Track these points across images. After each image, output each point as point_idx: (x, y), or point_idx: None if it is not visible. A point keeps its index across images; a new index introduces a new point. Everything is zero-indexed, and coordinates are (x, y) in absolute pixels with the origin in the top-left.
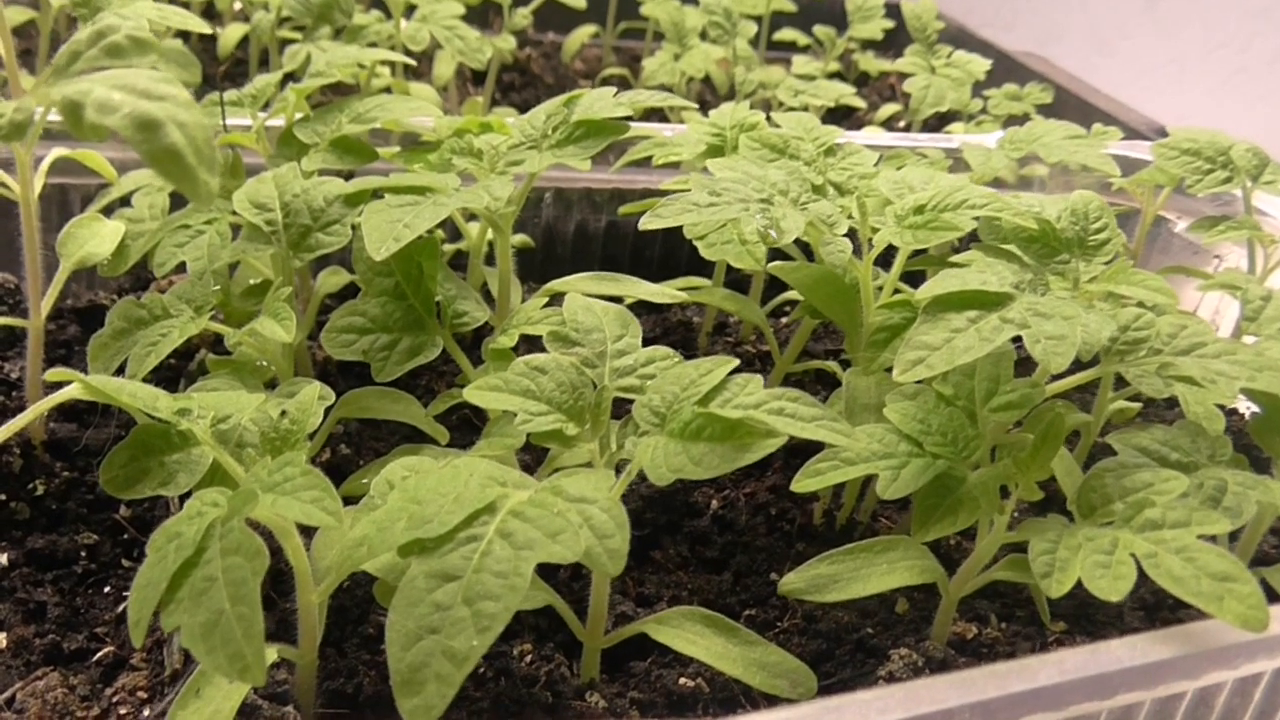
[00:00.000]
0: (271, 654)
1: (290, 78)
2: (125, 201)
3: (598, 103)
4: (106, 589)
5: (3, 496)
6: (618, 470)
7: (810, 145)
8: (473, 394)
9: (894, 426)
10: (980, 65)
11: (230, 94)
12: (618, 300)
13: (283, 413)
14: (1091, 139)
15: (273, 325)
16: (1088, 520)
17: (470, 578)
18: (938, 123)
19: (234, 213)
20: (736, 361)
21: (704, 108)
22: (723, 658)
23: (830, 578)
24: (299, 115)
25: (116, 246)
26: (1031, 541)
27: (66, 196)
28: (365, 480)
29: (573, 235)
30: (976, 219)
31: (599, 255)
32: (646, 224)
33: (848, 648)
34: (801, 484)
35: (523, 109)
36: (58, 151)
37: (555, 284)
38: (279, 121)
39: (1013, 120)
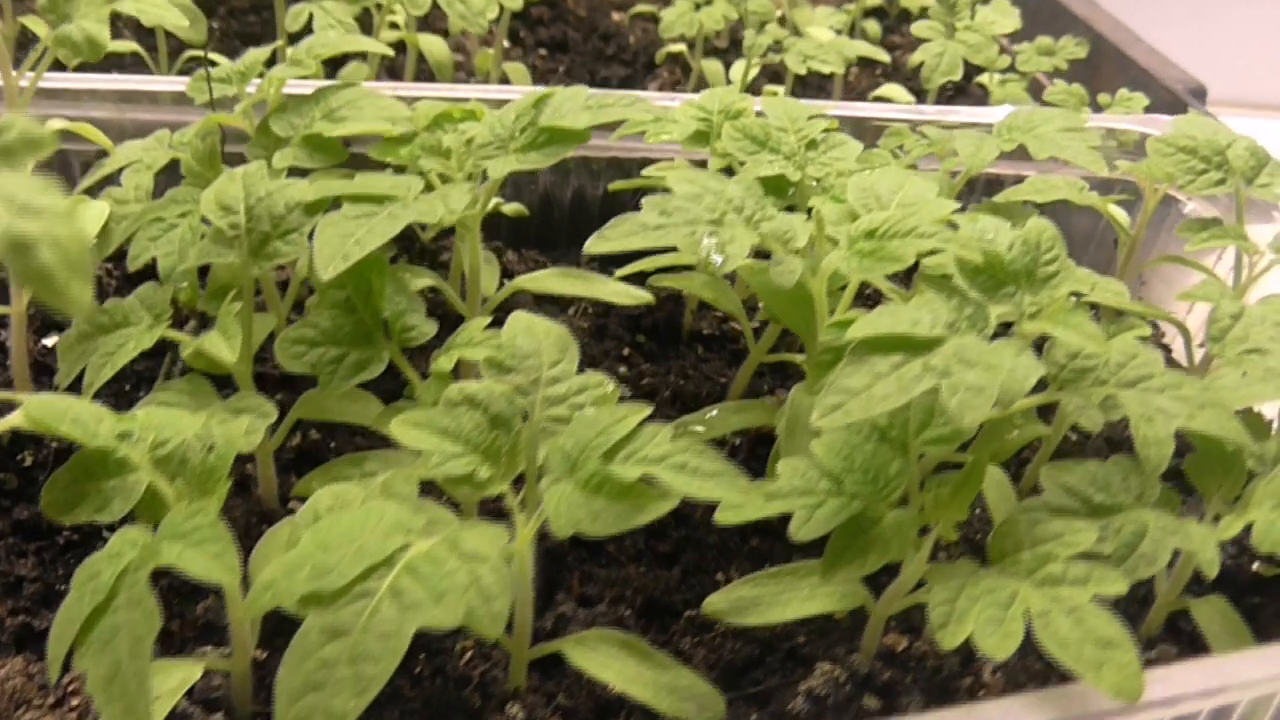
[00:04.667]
0: (200, 667)
1: (292, 39)
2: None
3: (566, 104)
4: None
5: None
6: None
7: (793, 137)
8: (396, 429)
9: (818, 460)
10: (1005, 25)
11: (218, 70)
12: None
13: (210, 448)
14: (1105, 118)
15: (219, 343)
16: (997, 566)
17: (357, 637)
18: (966, 76)
19: None
20: (648, 410)
21: (733, 49)
22: (634, 681)
23: (752, 600)
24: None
25: (101, 229)
26: (933, 589)
27: (68, 159)
28: (313, 485)
29: (570, 202)
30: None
31: (596, 223)
32: (591, 248)
33: (779, 655)
34: (723, 517)
35: (551, 46)
36: (55, 124)
37: (522, 280)
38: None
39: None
